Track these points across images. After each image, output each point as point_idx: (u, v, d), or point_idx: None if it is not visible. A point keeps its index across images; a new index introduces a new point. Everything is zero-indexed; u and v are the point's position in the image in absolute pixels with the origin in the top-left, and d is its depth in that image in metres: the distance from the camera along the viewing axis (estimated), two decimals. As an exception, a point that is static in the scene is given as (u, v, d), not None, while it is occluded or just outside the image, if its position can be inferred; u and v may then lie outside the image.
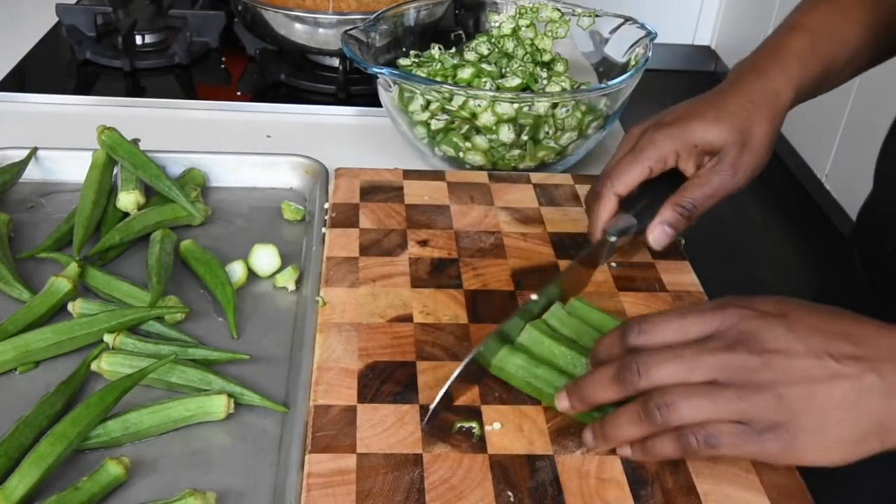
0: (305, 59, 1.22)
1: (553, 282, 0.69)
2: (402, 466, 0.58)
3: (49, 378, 0.66)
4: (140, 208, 0.83)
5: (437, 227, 0.82)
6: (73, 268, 0.74)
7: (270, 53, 1.21)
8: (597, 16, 1.07)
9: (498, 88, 0.96)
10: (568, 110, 0.92)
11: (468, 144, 0.93)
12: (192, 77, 1.21)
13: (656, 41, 1.00)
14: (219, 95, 1.15)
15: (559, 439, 0.61)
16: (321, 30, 1.13)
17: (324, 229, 0.81)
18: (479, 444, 0.60)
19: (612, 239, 0.72)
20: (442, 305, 0.72)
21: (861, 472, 0.58)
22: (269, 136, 1.05)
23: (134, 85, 1.17)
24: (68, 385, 0.64)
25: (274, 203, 0.89)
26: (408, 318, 0.70)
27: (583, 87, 1.01)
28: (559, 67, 1.04)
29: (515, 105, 0.91)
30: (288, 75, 1.17)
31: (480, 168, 0.95)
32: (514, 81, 0.96)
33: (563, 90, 0.97)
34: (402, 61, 1.04)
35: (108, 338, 0.69)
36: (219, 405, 0.63)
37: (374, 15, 1.03)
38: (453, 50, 1.06)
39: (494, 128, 0.92)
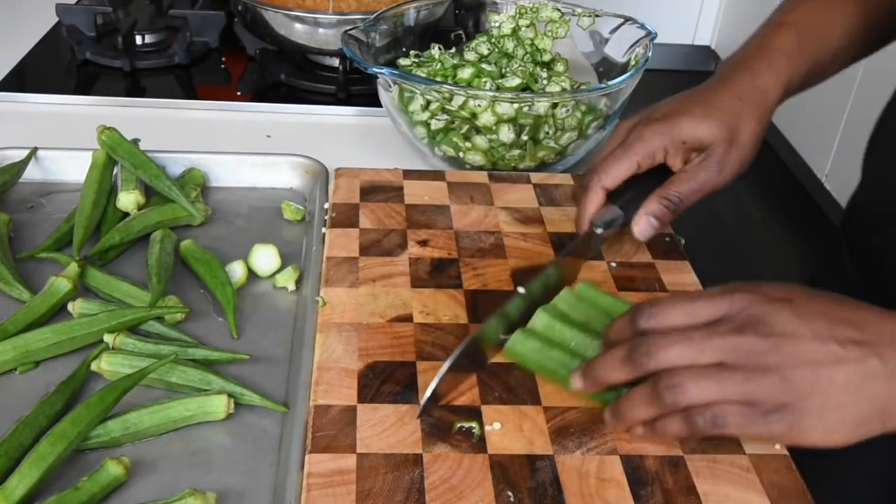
0: (305, 59, 1.22)
1: (541, 275, 0.71)
2: (402, 466, 0.58)
3: (49, 378, 0.66)
4: (140, 208, 0.83)
5: (437, 227, 0.82)
6: (73, 268, 0.74)
7: (270, 53, 1.21)
8: (597, 16, 1.07)
9: (498, 88, 0.96)
10: (568, 110, 0.92)
11: (468, 144, 0.93)
12: (192, 77, 1.21)
13: (656, 41, 1.00)
14: (219, 95, 1.15)
15: (559, 439, 0.61)
16: (321, 30, 1.13)
17: (324, 229, 0.81)
18: (479, 444, 0.60)
19: (599, 230, 0.73)
20: (442, 305, 0.72)
21: (856, 456, 0.59)
22: (269, 136, 1.05)
23: (134, 85, 1.17)
24: (68, 385, 0.64)
25: (274, 203, 0.89)
26: (408, 318, 0.70)
27: (583, 87, 1.01)
28: (559, 67, 1.04)
29: (515, 105, 0.91)
30: (288, 75, 1.17)
31: (480, 168, 0.95)
32: (514, 81, 0.96)
33: (563, 90, 0.97)
34: (402, 61, 1.04)
35: (108, 338, 0.69)
36: (219, 405, 0.63)
37: (374, 15, 1.03)
38: (453, 50, 1.06)
39: (494, 128, 0.92)
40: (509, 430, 0.61)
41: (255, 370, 0.69)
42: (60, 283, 0.72)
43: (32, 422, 0.60)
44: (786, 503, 0.57)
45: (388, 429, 0.60)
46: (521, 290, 0.69)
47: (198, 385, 0.65)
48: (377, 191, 0.87)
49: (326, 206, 0.84)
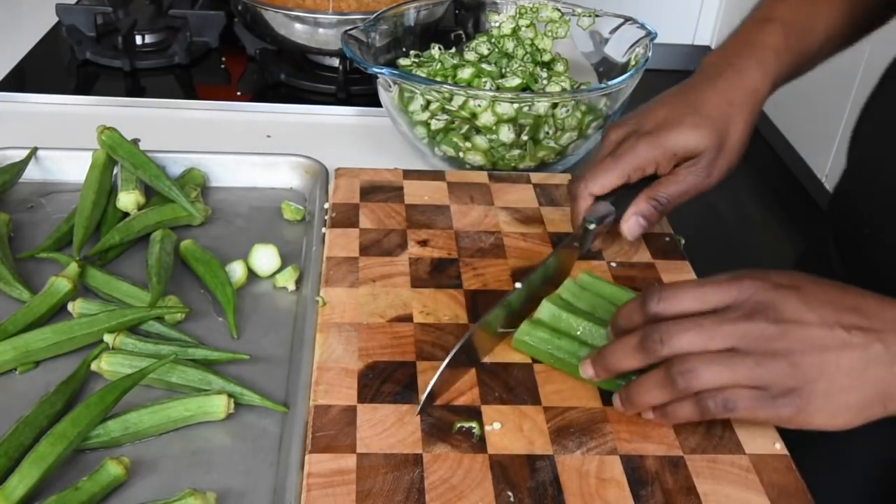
0: (305, 59, 1.22)
1: (535, 272, 0.71)
2: (402, 466, 0.58)
3: (49, 378, 0.66)
4: (140, 208, 0.83)
5: (437, 227, 0.82)
6: (73, 268, 0.74)
7: (270, 53, 1.21)
8: (597, 16, 1.07)
9: (498, 88, 0.96)
10: (568, 110, 0.92)
11: (468, 144, 0.93)
12: (192, 77, 1.21)
13: (656, 41, 1.00)
14: (219, 95, 1.15)
15: (559, 439, 0.61)
16: (321, 30, 1.13)
17: (324, 229, 0.81)
18: (479, 444, 0.60)
19: (591, 226, 0.74)
20: (442, 305, 0.72)
21: (848, 443, 0.60)
22: (269, 136, 1.05)
23: (134, 85, 1.17)
24: (68, 385, 0.64)
25: (274, 203, 0.89)
26: (408, 318, 0.71)
27: (583, 87, 1.01)
28: (559, 67, 1.04)
29: (515, 105, 0.91)
30: (288, 75, 1.17)
31: (480, 168, 0.95)
32: (514, 81, 0.96)
33: (563, 90, 0.97)
34: (402, 61, 1.04)
35: (108, 338, 0.69)
36: (219, 405, 0.63)
37: (374, 15, 1.03)
38: (453, 50, 1.06)
39: (494, 128, 0.92)
40: (509, 430, 0.61)
41: (255, 370, 0.69)
42: (60, 283, 0.72)
43: (32, 422, 0.60)
44: (786, 503, 0.57)
45: (388, 429, 0.60)
46: (518, 285, 0.70)
47: (198, 385, 0.65)
48: (377, 191, 0.87)
49: (326, 206, 0.84)
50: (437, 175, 0.90)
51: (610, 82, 0.94)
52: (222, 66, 1.24)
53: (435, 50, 1.04)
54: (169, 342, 0.69)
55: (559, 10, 1.07)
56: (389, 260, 0.77)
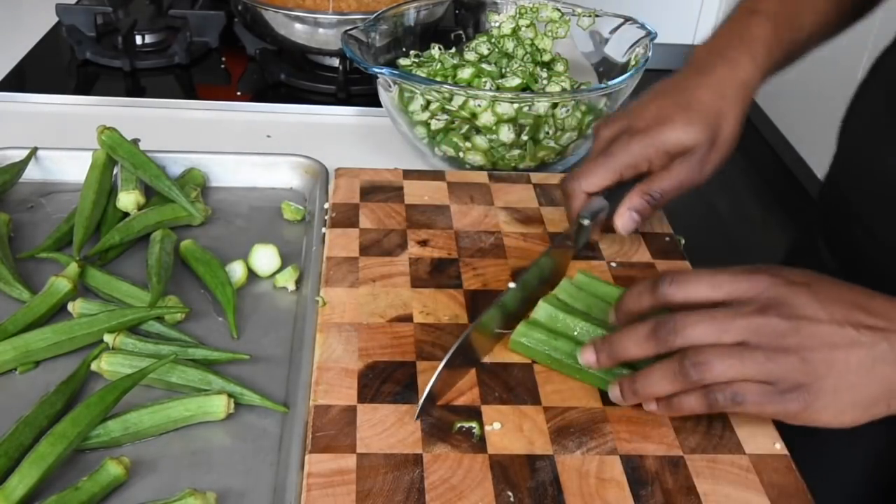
0: (305, 59, 1.22)
1: (529, 271, 0.71)
2: (402, 466, 0.58)
3: (49, 378, 0.66)
4: (140, 208, 0.83)
5: (437, 227, 0.82)
6: (73, 268, 0.74)
7: (270, 53, 1.21)
8: (597, 16, 1.07)
9: (498, 88, 0.96)
10: (568, 110, 0.92)
11: (468, 144, 0.93)
12: (192, 77, 1.21)
13: (656, 41, 1.00)
14: (219, 95, 1.15)
15: (559, 439, 0.61)
16: (321, 30, 1.13)
17: (324, 229, 0.81)
18: (479, 444, 0.60)
19: (586, 222, 0.74)
20: (442, 305, 0.72)
21: (845, 442, 0.60)
22: (269, 136, 1.05)
23: (134, 85, 1.17)
24: (68, 385, 0.64)
25: (274, 203, 0.89)
26: (408, 318, 0.70)
27: (583, 87, 1.01)
28: (559, 67, 1.04)
29: (515, 105, 0.91)
30: (288, 75, 1.17)
31: (480, 168, 0.95)
32: (514, 81, 0.96)
33: (563, 90, 0.97)
34: (402, 61, 1.04)
35: (108, 338, 0.68)
36: (219, 405, 0.63)
37: (374, 15, 1.03)
38: (453, 50, 1.06)
39: (494, 128, 0.92)
40: (509, 430, 0.61)
41: (255, 370, 0.69)
42: (60, 283, 0.72)
43: (32, 422, 0.60)
44: (786, 503, 0.57)
45: (388, 429, 0.60)
46: (512, 285, 0.70)
47: (198, 385, 0.65)
48: (377, 191, 0.87)
49: (326, 206, 0.84)
50: (437, 175, 0.90)
51: (610, 82, 0.94)
52: (222, 66, 1.24)
53: (435, 50, 1.04)
54: (169, 342, 0.69)
55: (559, 10, 1.07)
56: (389, 260, 0.77)
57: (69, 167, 0.89)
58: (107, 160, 0.86)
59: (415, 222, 0.82)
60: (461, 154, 0.94)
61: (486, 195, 0.87)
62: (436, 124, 0.94)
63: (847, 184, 0.84)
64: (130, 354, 0.67)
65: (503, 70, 1.00)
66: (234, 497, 0.59)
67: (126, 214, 0.83)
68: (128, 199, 0.83)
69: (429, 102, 0.93)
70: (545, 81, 0.99)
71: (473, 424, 0.61)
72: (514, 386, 0.65)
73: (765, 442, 0.61)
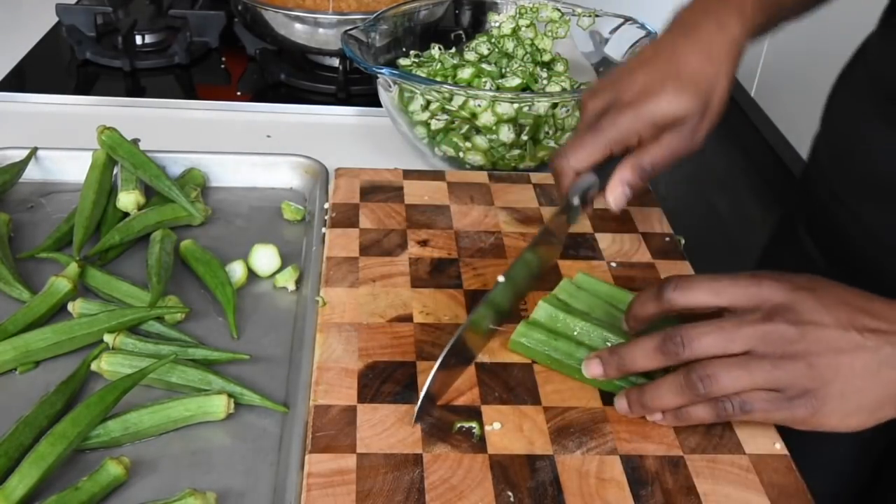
0: (305, 59, 1.22)
1: (519, 260, 0.70)
2: (402, 466, 0.58)
3: (49, 378, 0.66)
4: (140, 208, 0.83)
5: (437, 227, 0.82)
6: (73, 268, 0.74)
7: (270, 53, 1.21)
8: (597, 16, 1.07)
9: (498, 88, 0.96)
10: (568, 110, 0.92)
11: (468, 144, 0.93)
12: (192, 77, 1.21)
13: (656, 41, 1.00)
14: (219, 95, 1.15)
15: (559, 439, 0.61)
16: (321, 30, 1.13)
17: (324, 229, 0.81)
18: (479, 444, 0.60)
19: (576, 201, 0.71)
20: (442, 305, 0.72)
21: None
22: (269, 136, 1.05)
23: (134, 85, 1.17)
24: (68, 385, 0.64)
25: (274, 203, 0.89)
26: (408, 318, 0.70)
27: (583, 87, 1.01)
28: (559, 67, 1.04)
29: (515, 105, 0.91)
30: (288, 75, 1.18)
31: (480, 168, 0.95)
32: (514, 81, 0.96)
33: (563, 90, 0.97)
34: (402, 61, 1.04)
35: (108, 338, 0.68)
36: (219, 405, 0.63)
37: (374, 15, 1.03)
38: (453, 50, 1.06)
39: (494, 128, 0.92)
40: (509, 430, 0.61)
41: (255, 370, 0.69)
42: (60, 283, 0.72)
43: (32, 422, 0.60)
44: (786, 503, 0.57)
45: (388, 429, 0.60)
46: (500, 278, 0.68)
47: (198, 385, 0.65)
48: (377, 191, 0.87)
49: (326, 206, 0.84)
50: (437, 175, 0.90)
51: (610, 82, 0.94)
52: (222, 66, 1.24)
53: (435, 50, 1.04)
54: (169, 342, 0.69)
55: (559, 10, 1.07)
56: (389, 260, 0.77)
57: (69, 167, 0.89)
58: (107, 160, 0.86)
59: (415, 222, 0.82)
60: (461, 154, 0.94)
61: (486, 195, 0.87)
62: (436, 124, 0.94)
63: (829, 163, 0.83)
64: (130, 354, 0.67)
65: (503, 70, 1.00)
66: (234, 497, 0.59)
67: (126, 214, 0.83)
68: (128, 199, 0.83)
69: (429, 102, 0.93)
70: (545, 81, 0.99)
71: (473, 424, 0.61)
72: (514, 386, 0.65)
73: (765, 442, 0.61)
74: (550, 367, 0.66)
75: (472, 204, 0.86)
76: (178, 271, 0.78)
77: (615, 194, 0.72)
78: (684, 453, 0.60)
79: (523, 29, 1.06)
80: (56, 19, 1.27)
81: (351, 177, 0.89)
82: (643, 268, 0.78)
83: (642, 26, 1.02)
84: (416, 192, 0.87)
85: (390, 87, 0.94)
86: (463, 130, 0.93)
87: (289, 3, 1.15)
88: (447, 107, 0.92)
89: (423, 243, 0.80)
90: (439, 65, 1.00)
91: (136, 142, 0.88)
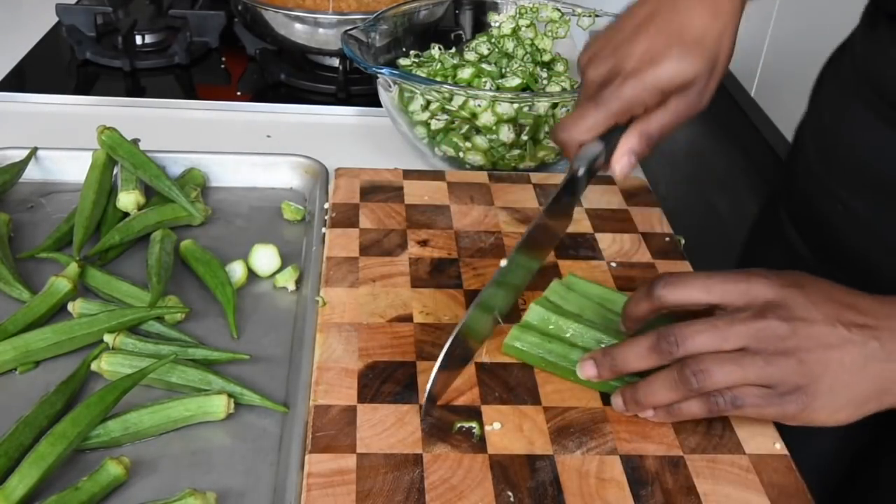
0: (305, 59, 1.22)
1: (528, 232, 0.69)
2: (402, 466, 0.58)
3: (49, 378, 0.66)
4: (140, 208, 0.83)
5: (437, 227, 0.82)
6: (73, 268, 0.74)
7: (270, 53, 1.21)
8: (597, 16, 1.07)
9: (498, 88, 0.96)
10: (568, 110, 0.92)
11: (468, 144, 0.93)
12: (192, 77, 1.21)
13: (656, 41, 1.00)
14: (219, 95, 1.15)
15: (559, 439, 0.61)
16: (321, 30, 1.13)
17: (324, 229, 0.81)
18: (479, 444, 0.60)
19: (581, 173, 0.69)
20: (442, 305, 0.72)
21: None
22: (269, 136, 1.05)
23: (134, 85, 1.17)
24: (68, 385, 0.64)
25: (274, 203, 0.89)
26: (408, 318, 0.70)
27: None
28: (559, 67, 1.04)
29: (515, 105, 0.91)
30: (288, 75, 1.18)
31: (480, 168, 0.95)
32: (514, 81, 0.96)
33: (563, 90, 0.97)
34: (402, 61, 1.04)
35: (108, 338, 0.68)
36: (219, 405, 0.63)
37: (374, 15, 1.03)
38: (453, 50, 1.06)
39: (494, 128, 0.92)
40: (509, 430, 0.61)
41: (255, 370, 0.69)
42: (60, 283, 0.72)
43: (32, 422, 0.60)
44: (786, 503, 0.57)
45: (388, 429, 0.60)
46: (503, 262, 0.67)
47: (198, 385, 0.65)
48: (377, 191, 0.87)
49: (326, 206, 0.84)
50: (437, 175, 0.90)
51: (610, 82, 0.94)
52: (222, 66, 1.24)
53: (435, 50, 1.04)
54: (169, 342, 0.69)
55: (559, 10, 1.07)
56: (389, 260, 0.77)
57: (69, 167, 0.89)
58: (107, 160, 0.86)
59: (415, 222, 0.82)
60: (461, 154, 0.94)
61: (486, 195, 0.87)
62: (436, 124, 0.94)
63: (815, 152, 0.83)
64: (130, 354, 0.67)
65: (503, 70, 1.00)
66: (234, 497, 0.59)
67: (126, 214, 0.83)
68: (128, 199, 0.83)
69: (429, 102, 0.93)
70: (545, 81, 0.99)
71: (473, 424, 0.61)
72: (514, 386, 0.65)
73: (765, 442, 0.61)
74: (545, 369, 0.66)
75: (472, 204, 0.86)
76: (178, 271, 0.78)
77: (621, 164, 0.70)
78: (684, 453, 0.60)
79: (523, 29, 1.06)
80: (56, 19, 1.27)
81: (351, 177, 0.89)
82: (643, 268, 0.78)
83: (642, 26, 1.02)
84: (416, 192, 0.87)
85: (390, 87, 0.94)
86: (463, 130, 0.93)
87: (289, 3, 1.15)
88: (447, 107, 0.92)
89: (423, 243, 0.80)
90: (439, 65, 1.00)
91: (136, 142, 0.88)
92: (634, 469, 0.59)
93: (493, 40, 1.05)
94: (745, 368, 0.57)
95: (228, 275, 0.76)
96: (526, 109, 0.91)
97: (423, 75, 0.98)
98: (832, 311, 0.57)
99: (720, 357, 0.57)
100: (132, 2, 1.28)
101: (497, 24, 1.08)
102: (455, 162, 0.96)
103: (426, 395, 0.61)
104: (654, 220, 0.85)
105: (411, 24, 1.09)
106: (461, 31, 1.15)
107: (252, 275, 0.79)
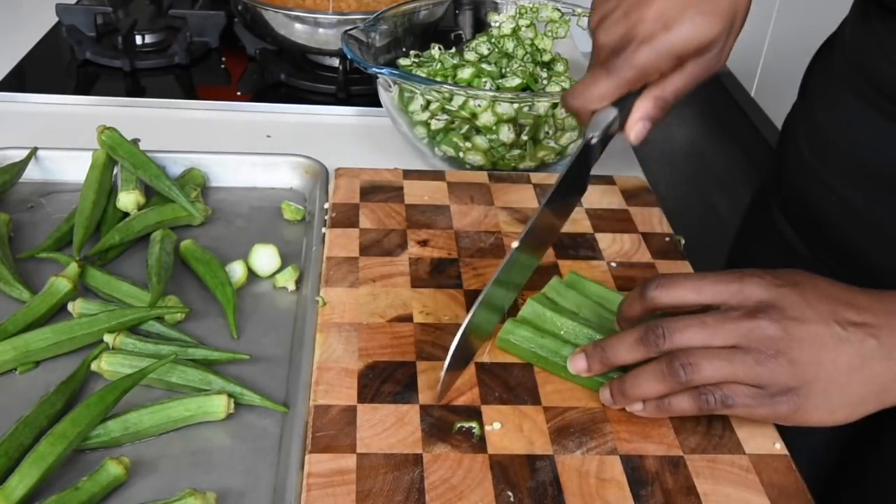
0: (305, 59, 1.22)
1: (541, 208, 0.68)
2: (402, 466, 0.58)
3: (49, 378, 0.66)
4: (140, 208, 0.83)
5: (437, 227, 0.82)
6: (73, 268, 0.74)
7: (270, 53, 1.21)
8: (597, 16, 1.07)
9: (498, 88, 0.96)
10: (568, 110, 0.92)
11: (468, 144, 0.94)
12: (192, 77, 1.21)
13: (656, 41, 1.00)
14: (219, 95, 1.15)
15: (559, 439, 0.61)
16: (321, 30, 1.13)
17: (324, 229, 0.81)
18: (479, 444, 0.60)
19: (594, 141, 0.68)
20: (442, 305, 0.72)
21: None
22: (269, 136, 1.05)
23: (134, 85, 1.17)
24: (68, 385, 0.64)
25: (274, 203, 0.89)
26: (408, 318, 0.71)
27: (583, 87, 1.01)
28: (559, 67, 1.04)
29: (515, 105, 0.91)
30: (288, 75, 1.18)
31: (480, 168, 0.95)
32: (514, 81, 0.96)
33: (563, 90, 0.97)
34: (402, 61, 1.04)
35: (108, 338, 0.69)
36: (219, 405, 0.63)
37: (374, 15, 1.03)
38: (453, 50, 1.07)
39: (494, 128, 0.92)
40: (509, 430, 0.61)
41: (255, 370, 0.69)
42: (60, 283, 0.72)
43: (32, 422, 0.60)
44: (786, 503, 0.57)
45: (388, 429, 0.60)
46: (515, 244, 0.66)
47: (198, 385, 0.65)
48: (377, 191, 0.87)
49: (326, 206, 0.84)
50: (437, 175, 0.90)
51: (610, 82, 0.94)
52: (222, 66, 1.24)
53: (435, 50, 1.04)
54: (169, 342, 0.69)
55: (559, 10, 1.07)
56: (389, 260, 0.77)
57: (69, 167, 0.89)
58: (107, 160, 0.86)
59: (415, 222, 0.82)
60: (461, 154, 0.94)
61: (486, 195, 0.87)
62: (436, 124, 0.94)
63: (806, 142, 0.82)
64: (130, 354, 0.67)
65: (503, 70, 1.00)
66: (234, 497, 0.59)
67: (126, 214, 0.83)
68: (128, 199, 0.83)
69: (429, 102, 0.93)
70: (545, 81, 0.99)
71: (473, 424, 0.61)
72: (514, 386, 0.65)
73: (765, 442, 0.61)
74: (537, 364, 0.66)
75: (472, 204, 0.86)
76: (178, 271, 0.78)
77: (636, 130, 0.68)
78: (684, 453, 0.60)
79: (523, 29, 1.06)
80: (56, 19, 1.27)
81: (351, 177, 0.89)
82: (643, 268, 0.78)
83: (642, 26, 1.02)
84: (416, 192, 0.87)
85: (390, 87, 0.94)
86: (463, 130, 0.93)
87: (289, 3, 1.15)
88: (447, 107, 0.92)
89: (423, 243, 0.80)
90: (439, 65, 1.00)
91: (136, 142, 0.88)
92: (634, 469, 0.59)
93: (492, 40, 1.05)
94: (735, 365, 0.57)
95: (228, 275, 0.76)
96: (526, 109, 0.91)
97: (423, 75, 0.98)
98: (828, 310, 0.57)
99: (710, 352, 0.57)
100: (132, 2, 1.28)
101: (497, 24, 1.08)
102: (455, 162, 0.96)
103: (438, 396, 0.62)
104: (654, 220, 0.85)
105: (411, 24, 1.09)
106: (461, 31, 1.15)
107: (252, 275, 0.79)
